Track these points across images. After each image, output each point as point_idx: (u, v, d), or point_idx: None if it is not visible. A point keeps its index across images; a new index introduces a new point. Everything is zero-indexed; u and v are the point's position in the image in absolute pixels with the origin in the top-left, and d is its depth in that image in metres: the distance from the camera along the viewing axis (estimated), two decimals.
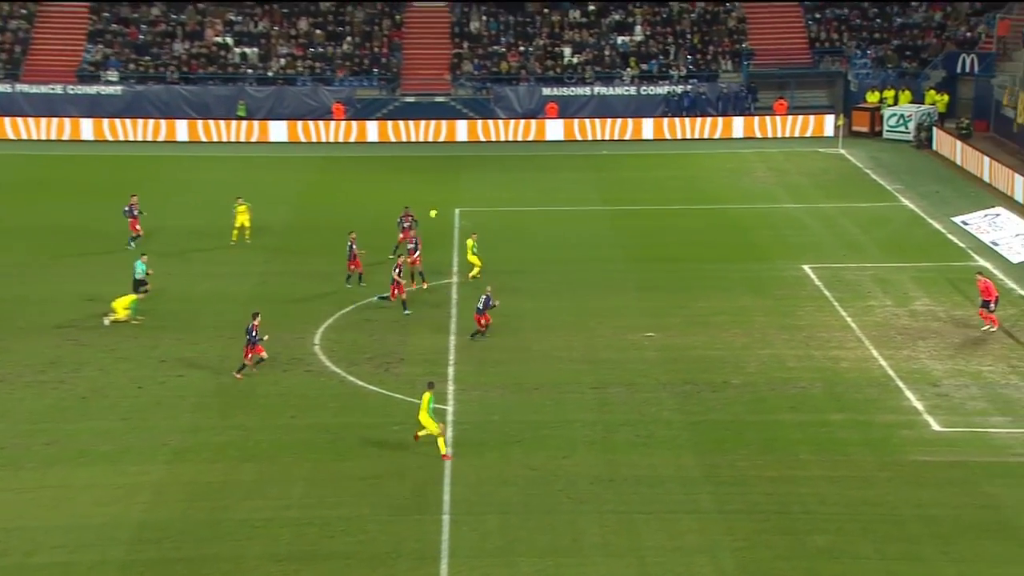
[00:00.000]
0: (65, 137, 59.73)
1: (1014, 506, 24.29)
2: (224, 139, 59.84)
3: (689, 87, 62.07)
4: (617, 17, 65.86)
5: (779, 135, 60.17)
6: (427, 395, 26.36)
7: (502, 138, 60.00)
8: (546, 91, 62.01)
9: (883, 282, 38.09)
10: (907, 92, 61.15)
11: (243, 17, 65.68)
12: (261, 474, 25.82)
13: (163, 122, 59.96)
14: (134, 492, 25.02)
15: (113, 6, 65.52)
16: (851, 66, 63.62)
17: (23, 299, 36.80)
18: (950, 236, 43.37)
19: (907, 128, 58.67)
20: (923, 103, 60.38)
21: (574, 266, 39.89)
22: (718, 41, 64.92)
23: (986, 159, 51.28)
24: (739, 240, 43.08)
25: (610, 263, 40.45)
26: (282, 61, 63.93)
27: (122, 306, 34.33)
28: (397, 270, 34.95)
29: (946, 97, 60.67)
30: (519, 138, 60.00)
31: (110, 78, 62.37)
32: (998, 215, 44.94)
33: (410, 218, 40.47)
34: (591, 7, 65.90)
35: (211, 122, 60.12)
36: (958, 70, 62.02)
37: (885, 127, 59.57)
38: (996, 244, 42.00)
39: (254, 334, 30.32)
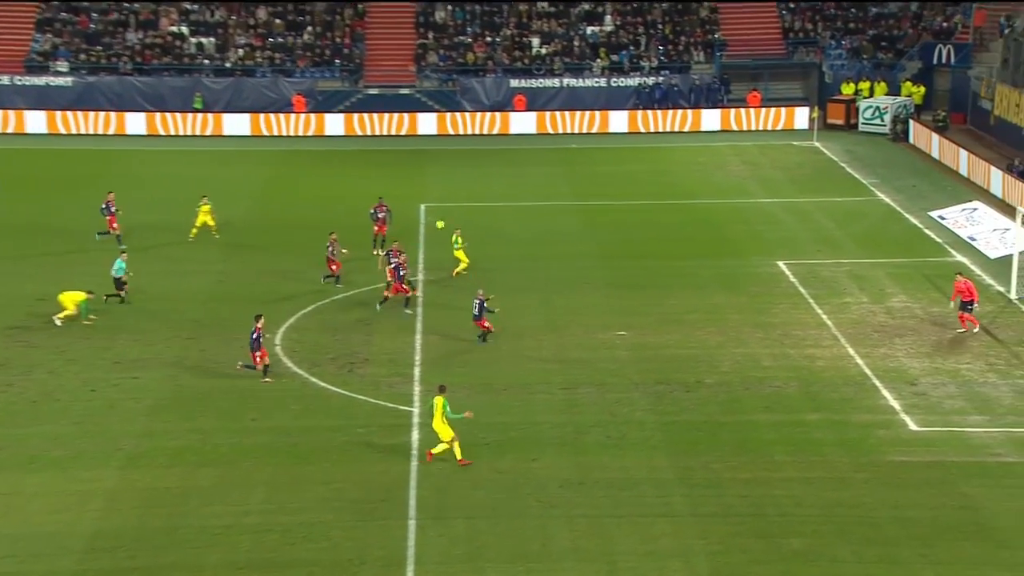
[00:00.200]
0: (11, 130, 59.13)
1: (992, 507, 24.50)
2: (180, 132, 59.47)
3: (661, 79, 62.26)
4: (587, 7, 65.97)
5: (752, 128, 60.49)
6: (439, 399, 25.98)
7: (469, 131, 59.97)
8: (514, 83, 62.02)
9: (859, 278, 38.36)
10: (883, 84, 61.63)
11: (199, 6, 65.26)
12: (220, 479, 25.67)
13: (114, 115, 59.48)
14: (86, 499, 24.79)
15: None
16: (826, 57, 64.05)
17: None
18: (927, 231, 43.74)
19: (883, 120, 59.13)
20: (899, 95, 60.88)
21: (543, 263, 39.91)
22: (690, 32, 65.17)
23: (963, 152, 51.74)
24: (712, 236, 43.25)
25: (580, 260, 40.49)
26: (240, 52, 63.57)
27: (71, 300, 33.96)
28: (401, 270, 34.67)
29: (922, 89, 61.21)
30: (486, 131, 59.98)
31: (60, 69, 61.79)
32: (975, 209, 45.36)
33: (385, 208, 40.36)
34: None
35: (167, 115, 59.70)
36: (934, 61, 62.60)
37: (860, 119, 60.01)
38: (973, 239, 42.39)
39: (256, 336, 29.94)
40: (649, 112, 60.65)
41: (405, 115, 59.99)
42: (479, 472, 25.86)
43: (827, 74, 63.43)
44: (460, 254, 37.89)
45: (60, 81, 61.06)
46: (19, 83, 60.71)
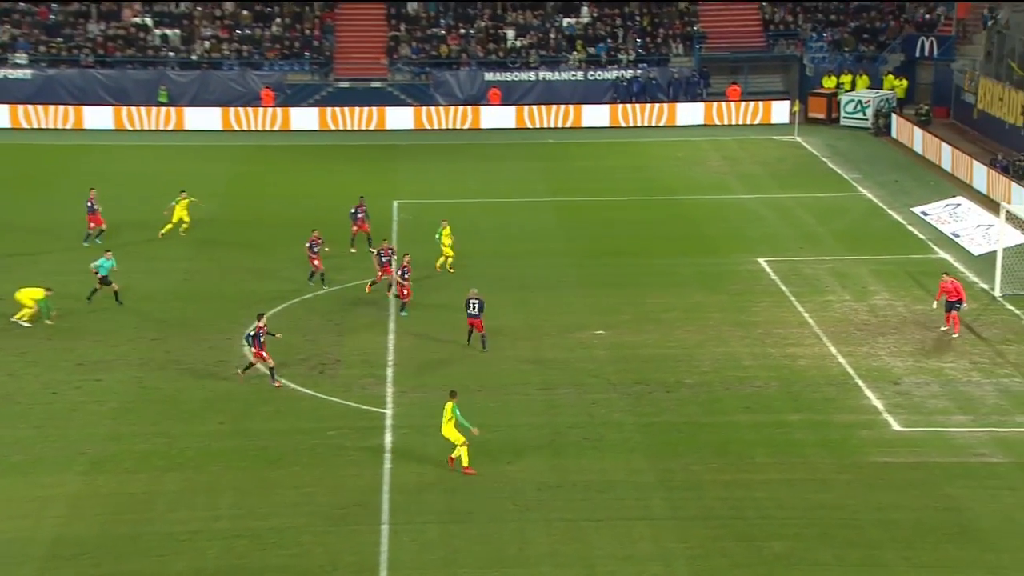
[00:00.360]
0: None
1: (975, 508, 24.70)
2: (144, 127, 59.13)
3: (639, 72, 62.39)
4: None
5: (732, 122, 60.69)
6: (449, 404, 25.90)
7: (442, 126, 59.90)
8: (488, 76, 62.01)
9: (841, 276, 38.58)
10: (865, 77, 61.98)
11: None
12: (187, 484, 25.57)
13: (73, 108, 59.05)
14: (48, 505, 24.64)
15: None
16: (807, 50, 64.34)
17: None
18: (910, 227, 44.03)
19: (865, 114, 59.45)
20: (881, 88, 61.22)
21: (519, 261, 39.94)
22: (668, 24, 65.31)
23: (946, 147, 52.11)
24: (692, 233, 43.40)
25: (557, 257, 40.55)
26: (206, 44, 63.28)
27: (28, 297, 33.69)
28: (402, 271, 34.61)
29: (905, 82, 61.58)
30: (460, 126, 59.93)
31: (18, 61, 61.32)
32: (959, 205, 45.68)
33: (365, 209, 40.34)
34: None
35: (131, 109, 59.35)
36: (917, 53, 62.99)
37: (842, 113, 60.32)
38: (957, 235, 42.69)
39: (260, 337, 29.79)
40: (627, 106, 60.77)
41: (377, 109, 59.90)
42: (454, 476, 25.86)
43: (808, 67, 63.72)
44: (446, 248, 37.91)
45: (19, 74, 60.59)
46: None
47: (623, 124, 60.30)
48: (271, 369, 30.04)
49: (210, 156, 54.75)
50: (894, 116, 58.47)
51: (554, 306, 35.85)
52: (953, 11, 63.48)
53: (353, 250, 39.60)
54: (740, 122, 60.70)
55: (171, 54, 62.92)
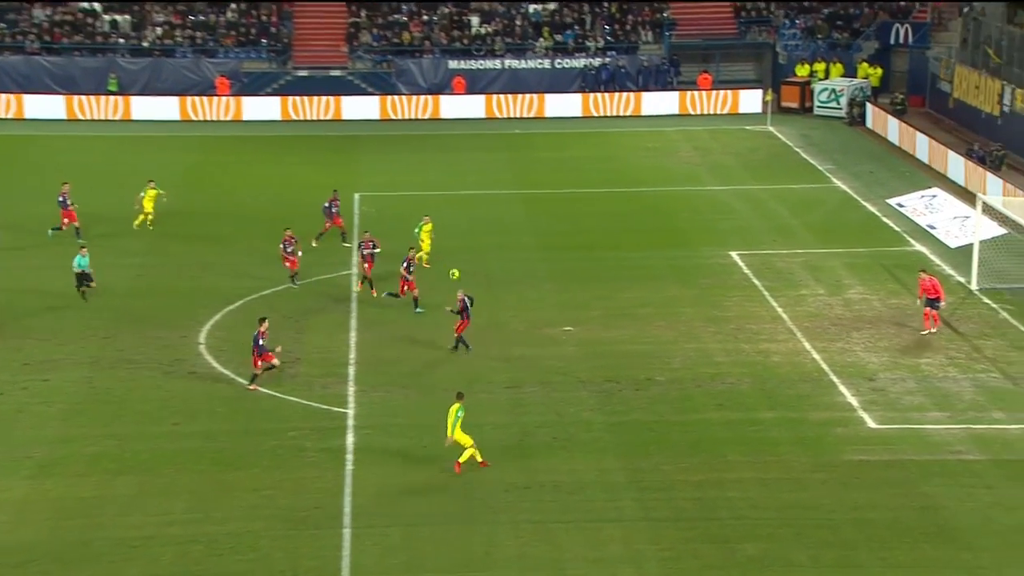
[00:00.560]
0: None
1: (952, 507, 24.91)
2: (93, 116, 58.67)
3: (607, 60, 62.48)
4: None
5: (703, 111, 60.90)
6: (455, 406, 25.82)
7: (405, 115, 59.78)
8: (452, 64, 61.91)
9: (815, 269, 38.79)
10: (839, 65, 62.33)
11: None
12: (139, 488, 25.41)
13: (14, 97, 58.45)
14: None
15: None
16: (779, 37, 64.66)
17: None
18: (885, 219, 44.34)
19: (839, 104, 59.81)
20: (855, 77, 61.60)
21: (485, 254, 39.91)
22: (637, 10, 65.42)
23: (922, 136, 52.50)
24: (662, 225, 43.52)
25: (524, 251, 40.56)
26: (158, 30, 62.81)
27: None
28: (406, 264, 34.40)
29: (879, 70, 61.98)
30: (423, 116, 59.84)
31: None
32: (935, 196, 46.04)
33: (339, 204, 40.16)
34: None
35: (80, 98, 58.86)
36: (892, 41, 63.41)
37: (816, 102, 60.66)
38: (933, 227, 43.03)
39: (261, 342, 29.58)
40: (596, 95, 60.85)
41: (336, 98, 59.67)
42: (418, 477, 25.83)
43: (781, 55, 64.03)
44: (425, 244, 37.80)
45: None
46: None
47: (592, 113, 60.40)
48: (254, 376, 29.87)
49: (162, 146, 54.36)
50: (869, 105, 58.86)
51: (522, 301, 35.86)
52: None
53: (315, 244, 39.38)
54: (711, 111, 60.91)
55: (121, 41, 62.41)
